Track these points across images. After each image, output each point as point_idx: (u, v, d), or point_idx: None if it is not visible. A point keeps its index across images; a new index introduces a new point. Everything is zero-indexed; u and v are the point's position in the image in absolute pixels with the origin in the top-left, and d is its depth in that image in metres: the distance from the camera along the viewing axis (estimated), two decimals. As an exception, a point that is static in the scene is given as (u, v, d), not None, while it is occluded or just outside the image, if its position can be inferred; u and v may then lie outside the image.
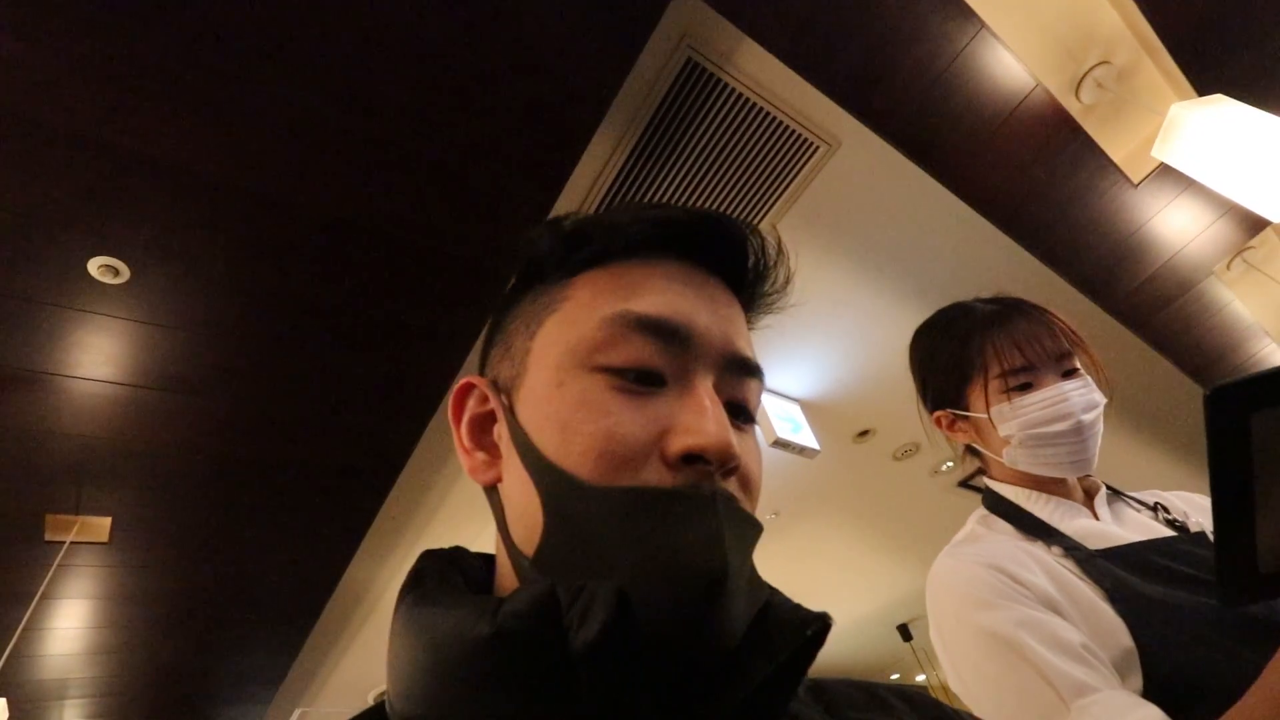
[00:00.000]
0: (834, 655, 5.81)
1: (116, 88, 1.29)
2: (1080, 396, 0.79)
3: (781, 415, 2.68)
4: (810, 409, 2.86)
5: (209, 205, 1.51)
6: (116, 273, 1.59)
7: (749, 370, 0.39)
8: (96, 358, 1.78)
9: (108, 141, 1.37)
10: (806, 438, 2.69)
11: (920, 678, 5.97)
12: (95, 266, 1.57)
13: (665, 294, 0.38)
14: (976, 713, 0.45)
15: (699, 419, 0.34)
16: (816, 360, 2.69)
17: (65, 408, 1.89)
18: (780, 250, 0.44)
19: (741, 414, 0.39)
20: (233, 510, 2.38)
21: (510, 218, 1.68)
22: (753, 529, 0.35)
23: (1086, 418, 0.78)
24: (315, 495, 2.40)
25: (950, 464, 3.36)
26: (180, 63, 1.28)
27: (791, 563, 4.08)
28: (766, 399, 2.69)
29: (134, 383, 1.86)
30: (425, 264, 1.75)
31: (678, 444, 0.33)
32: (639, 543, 0.31)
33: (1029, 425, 0.80)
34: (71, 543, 2.29)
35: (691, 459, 0.33)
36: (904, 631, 5.40)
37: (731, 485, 0.35)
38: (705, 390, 0.36)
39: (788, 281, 0.45)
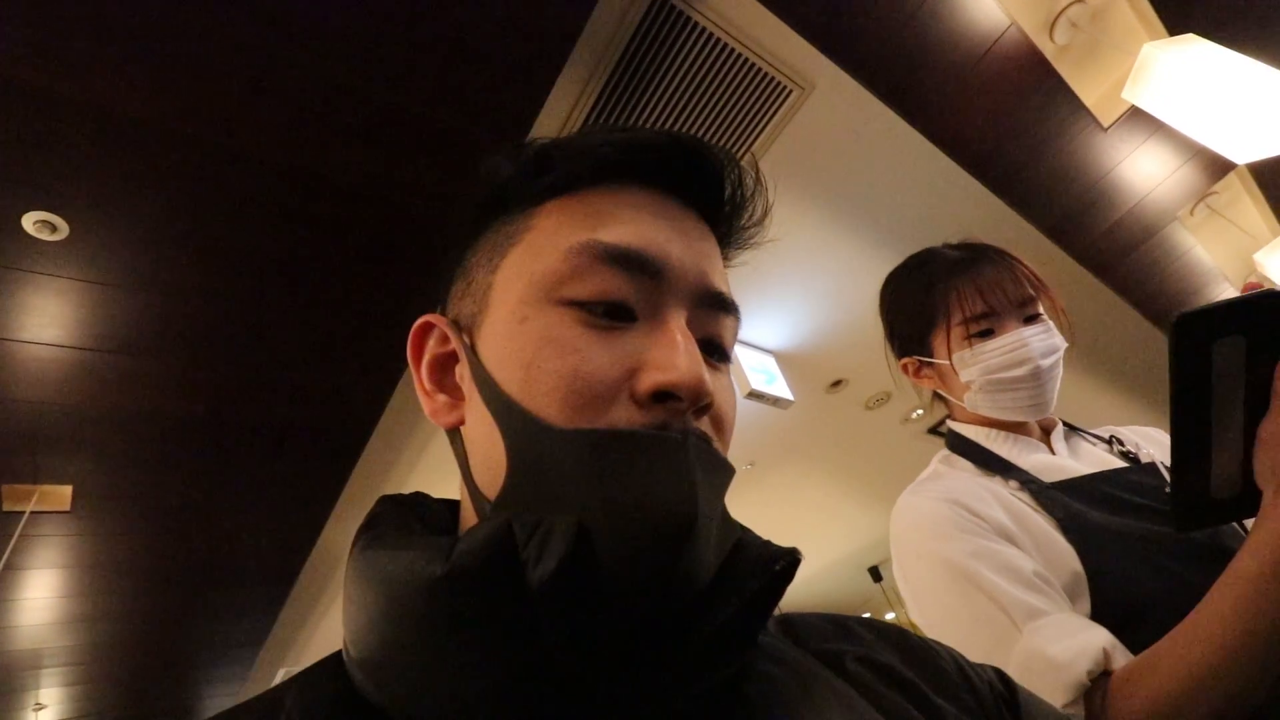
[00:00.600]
0: (808, 597, 6.03)
1: (44, 26, 1.19)
2: (1040, 342, 0.80)
3: (756, 367, 2.70)
4: (784, 360, 2.88)
5: (152, 155, 1.42)
6: (54, 229, 1.50)
7: (724, 306, 0.38)
8: (41, 319, 1.69)
9: (37, 86, 1.27)
10: (781, 389, 2.72)
11: (889, 616, 6.24)
12: (30, 222, 1.48)
13: (636, 223, 0.36)
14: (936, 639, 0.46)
15: (671, 355, 0.32)
16: (790, 312, 2.70)
17: (13, 373, 1.81)
18: (758, 181, 0.41)
19: (716, 352, 0.37)
20: (200, 474, 2.33)
21: (472, 166, 1.61)
22: (724, 471, 0.34)
23: (1045, 363, 0.80)
24: (285, 457, 2.36)
25: (920, 412, 3.43)
26: (114, 1, 1.18)
27: (766, 510, 4.17)
28: (741, 351, 2.70)
29: (84, 345, 1.78)
30: (384, 215, 1.68)
31: (648, 381, 0.32)
32: (607, 486, 0.29)
33: (989, 371, 0.81)
34: (32, 512, 2.23)
35: (663, 397, 0.32)
36: (874, 573, 5.61)
37: (704, 424, 0.34)
38: (678, 325, 0.34)
39: (765, 214, 0.42)
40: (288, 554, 2.91)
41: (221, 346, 1.90)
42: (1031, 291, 0.82)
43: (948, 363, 0.84)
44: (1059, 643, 0.60)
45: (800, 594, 5.87)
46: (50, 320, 1.70)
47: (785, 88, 1.81)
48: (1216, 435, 0.53)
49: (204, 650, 3.50)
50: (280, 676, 4.12)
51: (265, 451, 2.31)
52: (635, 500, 0.29)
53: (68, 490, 2.21)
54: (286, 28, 1.28)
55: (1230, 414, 0.53)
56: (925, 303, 0.86)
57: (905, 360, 0.92)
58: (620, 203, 0.37)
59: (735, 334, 0.39)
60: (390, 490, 2.95)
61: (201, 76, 1.32)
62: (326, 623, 3.76)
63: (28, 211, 1.46)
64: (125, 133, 1.37)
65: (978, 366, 0.82)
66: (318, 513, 2.71)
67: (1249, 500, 0.54)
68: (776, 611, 0.41)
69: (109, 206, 1.50)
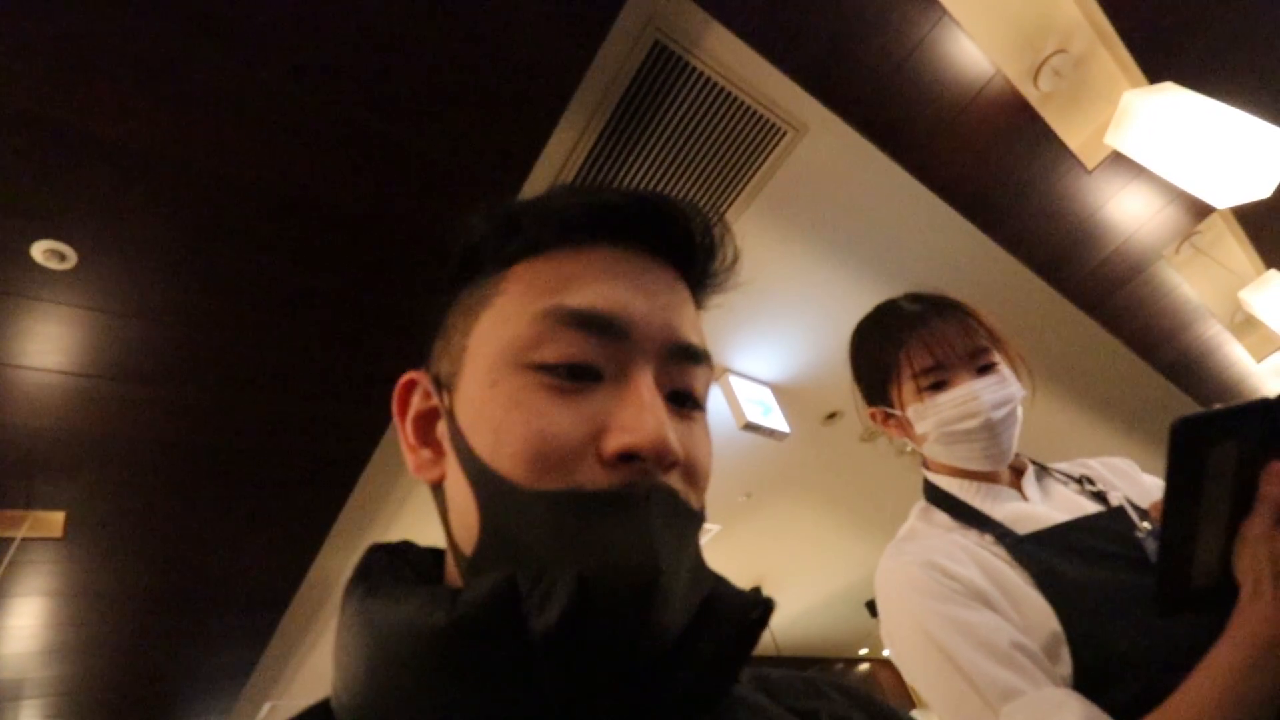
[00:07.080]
0: (805, 632, 5.94)
1: (58, 63, 1.23)
2: (991, 394, 0.80)
3: (752, 399, 2.72)
4: (780, 392, 2.90)
5: (160, 186, 1.46)
6: (63, 257, 1.52)
7: (693, 357, 0.38)
8: (44, 346, 1.71)
9: (49, 119, 1.30)
10: (777, 421, 2.73)
11: (887, 652, 6.14)
12: (40, 251, 1.50)
13: (599, 285, 0.36)
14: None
15: (635, 416, 0.33)
16: (786, 345, 2.73)
17: (11, 399, 1.81)
18: (725, 229, 0.42)
19: (688, 401, 0.38)
20: (194, 502, 2.32)
21: (476, 202, 1.65)
22: (691, 521, 0.34)
23: (997, 415, 0.80)
24: (280, 486, 2.35)
25: (912, 446, 3.44)
26: (125, 37, 1.23)
27: (763, 542, 4.14)
28: (737, 383, 2.72)
29: (86, 372, 1.80)
30: (388, 249, 1.71)
31: (612, 443, 0.32)
32: (571, 546, 0.30)
33: (942, 424, 0.82)
34: (23, 539, 2.21)
35: (628, 457, 0.32)
36: (872, 608, 5.54)
37: (673, 478, 0.34)
38: (644, 384, 0.34)
39: (736, 258, 0.43)
40: (279, 583, 2.88)
41: (220, 375, 1.92)
42: (984, 343, 0.83)
43: (905, 414, 0.86)
44: None
45: (798, 629, 5.79)
46: (54, 347, 1.72)
47: (779, 129, 1.87)
48: (1202, 529, 0.56)
49: (191, 680, 3.43)
50: (265, 710, 4.02)
51: (259, 480, 2.31)
52: (598, 558, 0.30)
53: (61, 517, 2.20)
54: (296, 65, 1.33)
55: (1217, 510, 0.55)
56: (882, 356, 0.88)
57: (873, 410, 0.94)
58: (585, 264, 0.37)
59: (709, 380, 0.40)
60: (383, 523, 2.96)
61: (212, 112, 1.36)
62: (314, 657, 3.70)
63: (38, 240, 1.49)
64: (136, 165, 1.41)
65: (931, 420, 0.83)
66: (310, 542, 2.69)
67: (1224, 592, 0.57)
68: (752, 668, 0.42)
69: (118, 237, 1.53)
